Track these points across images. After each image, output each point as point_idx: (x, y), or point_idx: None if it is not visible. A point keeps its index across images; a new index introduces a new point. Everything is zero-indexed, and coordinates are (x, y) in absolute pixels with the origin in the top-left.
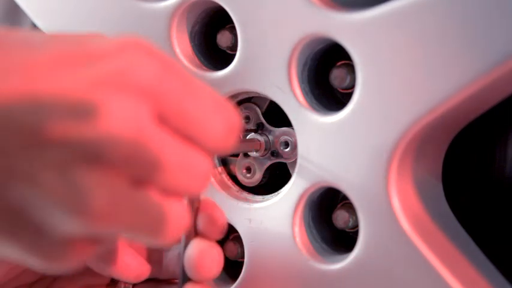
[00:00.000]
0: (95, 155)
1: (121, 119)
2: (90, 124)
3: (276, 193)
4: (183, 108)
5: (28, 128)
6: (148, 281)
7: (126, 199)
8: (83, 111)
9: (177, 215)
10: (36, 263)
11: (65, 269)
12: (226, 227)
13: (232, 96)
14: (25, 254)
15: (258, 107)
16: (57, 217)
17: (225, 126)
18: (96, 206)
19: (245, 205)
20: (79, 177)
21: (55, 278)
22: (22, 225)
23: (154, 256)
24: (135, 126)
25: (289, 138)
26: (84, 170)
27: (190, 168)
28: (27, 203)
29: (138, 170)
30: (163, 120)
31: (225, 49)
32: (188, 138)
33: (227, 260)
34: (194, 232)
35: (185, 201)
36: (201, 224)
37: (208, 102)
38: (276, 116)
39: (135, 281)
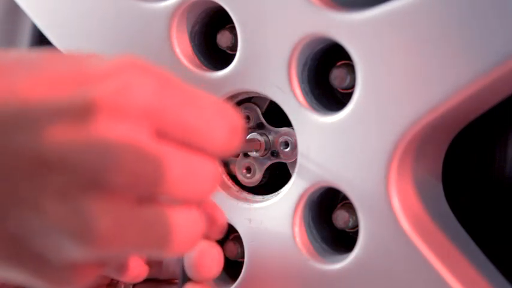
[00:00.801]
0: (97, 180)
1: (121, 142)
2: (90, 148)
3: (276, 193)
4: (183, 120)
5: (28, 153)
6: (148, 281)
7: (132, 220)
8: (82, 136)
9: (189, 223)
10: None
11: None
12: (226, 226)
13: (232, 96)
14: (30, 279)
15: (258, 107)
16: (61, 243)
17: (227, 129)
18: (102, 231)
19: (245, 205)
20: (82, 203)
21: None
22: (26, 253)
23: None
24: (135, 147)
25: (289, 138)
26: (87, 196)
27: (196, 175)
28: (30, 230)
29: (143, 189)
30: (164, 135)
31: (225, 49)
32: (192, 147)
33: (227, 260)
34: None
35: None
36: None
37: (208, 109)
38: (276, 116)
39: (132, 282)
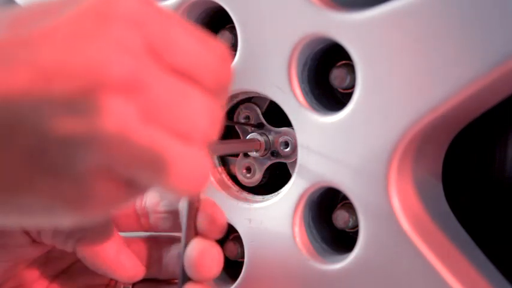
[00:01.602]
0: (101, 80)
1: (112, 54)
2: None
3: (276, 193)
4: (173, 37)
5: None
6: (147, 281)
7: (135, 132)
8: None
9: (188, 158)
10: (64, 211)
11: (94, 216)
12: (226, 226)
13: (232, 96)
14: (50, 203)
15: (258, 107)
16: (72, 151)
17: (217, 57)
18: (108, 129)
19: (245, 205)
20: (95, 102)
21: (54, 278)
22: (40, 170)
23: (153, 256)
24: (128, 60)
25: (289, 138)
26: (100, 94)
27: (191, 104)
28: (42, 145)
29: (144, 104)
30: (155, 53)
31: None
32: (184, 73)
33: (227, 260)
34: (194, 232)
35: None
36: (201, 223)
37: (196, 33)
38: (276, 116)
39: (129, 282)
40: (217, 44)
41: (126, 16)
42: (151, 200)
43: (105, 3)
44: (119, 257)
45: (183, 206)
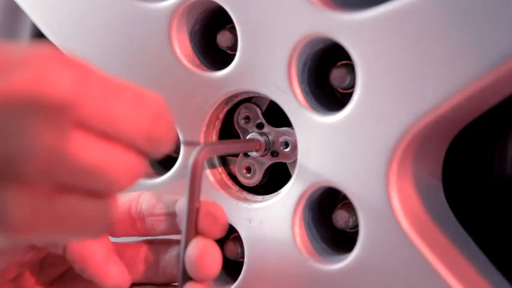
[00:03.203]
0: (10, 171)
1: (33, 131)
2: (2, 137)
3: (276, 193)
4: (103, 111)
5: None
6: (145, 285)
7: (48, 208)
8: None
9: (101, 213)
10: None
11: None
12: (227, 225)
13: (232, 96)
14: None
15: (258, 107)
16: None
17: (147, 118)
18: (18, 221)
19: (245, 205)
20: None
21: (49, 285)
22: None
23: (150, 260)
24: (49, 137)
25: (289, 138)
26: (1, 187)
27: (112, 166)
28: None
29: (58, 179)
30: (82, 124)
31: (225, 49)
32: (112, 138)
33: (227, 260)
34: (195, 231)
35: (116, 199)
36: (203, 222)
37: (129, 98)
38: (276, 116)
39: None
40: (152, 102)
41: (52, 97)
42: (148, 203)
43: (33, 83)
44: (107, 264)
45: (181, 207)
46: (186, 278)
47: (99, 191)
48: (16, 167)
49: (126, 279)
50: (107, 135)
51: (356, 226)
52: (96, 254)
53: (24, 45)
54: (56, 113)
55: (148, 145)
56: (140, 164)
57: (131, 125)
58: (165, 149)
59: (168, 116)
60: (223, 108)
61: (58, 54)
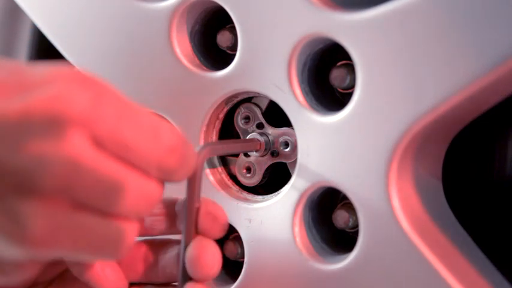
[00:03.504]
0: (29, 183)
1: (52, 145)
2: (21, 152)
3: (276, 193)
4: (118, 134)
5: None
6: (144, 285)
7: (66, 224)
8: (13, 139)
9: (117, 235)
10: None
11: (16, 282)
12: (227, 224)
13: (232, 96)
14: None
15: (258, 107)
16: (1, 245)
17: (162, 149)
18: (35, 233)
19: (245, 205)
20: (16, 207)
21: (48, 284)
22: None
23: (149, 260)
24: (68, 151)
25: (289, 138)
26: (21, 199)
27: (130, 191)
28: None
29: (75, 195)
30: (100, 145)
31: (225, 49)
32: (128, 160)
33: (227, 260)
34: (195, 231)
35: (137, 223)
36: (203, 222)
37: (145, 124)
38: (276, 116)
39: None
40: (169, 136)
41: (70, 116)
42: None
43: (52, 102)
44: (104, 268)
45: (181, 207)
46: (186, 277)
47: (117, 212)
48: (34, 181)
49: (123, 284)
50: (122, 158)
51: (356, 226)
52: None
53: (45, 65)
54: (72, 130)
55: (161, 175)
56: (156, 190)
57: (144, 153)
58: (179, 179)
59: (184, 149)
60: (223, 108)
61: (77, 75)
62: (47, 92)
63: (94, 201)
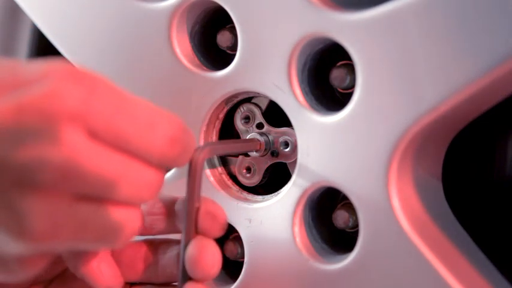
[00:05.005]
0: (28, 179)
1: (49, 141)
2: (19, 149)
3: (276, 193)
4: (114, 126)
5: None
6: (144, 284)
7: (67, 215)
8: (10, 137)
9: (125, 221)
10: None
11: (21, 279)
12: (226, 223)
13: (232, 96)
14: None
15: (258, 107)
16: (3, 240)
17: (163, 138)
18: (37, 227)
19: (245, 205)
20: (16, 201)
21: (49, 283)
22: None
23: (149, 259)
24: (65, 146)
25: (289, 138)
26: (21, 194)
27: (131, 180)
28: None
29: (75, 187)
30: (97, 136)
31: (225, 49)
32: (128, 152)
33: (227, 260)
34: (195, 231)
35: (139, 209)
36: (203, 221)
37: (143, 116)
38: (276, 116)
39: None
40: (165, 124)
41: (65, 111)
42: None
43: (46, 98)
44: (100, 264)
45: (180, 207)
46: (186, 277)
47: (117, 200)
48: (33, 176)
49: (118, 281)
50: (122, 149)
51: (356, 226)
52: (89, 253)
53: (39, 62)
54: (68, 126)
55: (162, 163)
56: (156, 176)
57: (142, 144)
58: (180, 166)
59: (185, 139)
60: (223, 108)
61: (70, 70)
62: (40, 88)
63: (93, 192)
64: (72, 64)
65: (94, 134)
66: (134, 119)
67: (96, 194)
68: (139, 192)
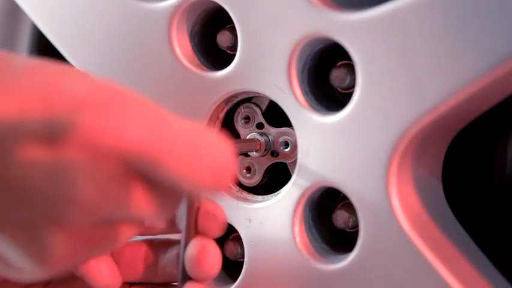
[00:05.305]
0: (60, 214)
1: (82, 180)
2: (56, 184)
3: (276, 193)
4: (151, 155)
5: None
6: (143, 284)
7: (86, 242)
8: (46, 171)
9: (119, 236)
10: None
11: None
12: (226, 223)
13: (232, 96)
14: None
15: (258, 107)
16: (17, 257)
17: (210, 167)
18: (58, 257)
19: (245, 205)
20: (44, 233)
21: (47, 283)
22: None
23: (149, 259)
24: (97, 186)
25: (289, 138)
26: (49, 227)
27: (158, 210)
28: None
29: (100, 220)
30: (141, 173)
31: (225, 49)
32: (157, 179)
33: (227, 260)
34: (195, 231)
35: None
36: (202, 221)
37: (187, 144)
38: (276, 116)
39: None
40: (216, 151)
41: (109, 149)
42: None
43: (94, 130)
44: (98, 263)
45: (181, 206)
46: (186, 277)
47: (124, 220)
48: (61, 211)
49: (117, 281)
50: (151, 177)
51: (356, 226)
52: None
53: (81, 77)
54: (110, 159)
55: (191, 190)
56: (175, 201)
57: (183, 176)
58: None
59: (231, 168)
60: (223, 108)
61: (115, 94)
62: (86, 117)
63: (116, 220)
64: (103, 85)
65: (138, 169)
66: (178, 149)
67: (118, 221)
68: (161, 216)
